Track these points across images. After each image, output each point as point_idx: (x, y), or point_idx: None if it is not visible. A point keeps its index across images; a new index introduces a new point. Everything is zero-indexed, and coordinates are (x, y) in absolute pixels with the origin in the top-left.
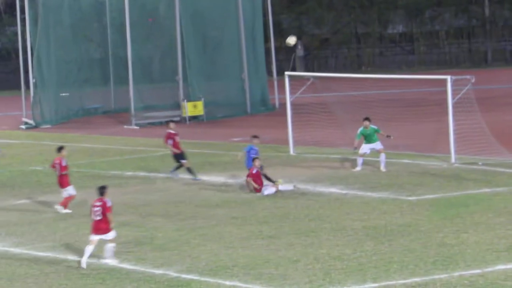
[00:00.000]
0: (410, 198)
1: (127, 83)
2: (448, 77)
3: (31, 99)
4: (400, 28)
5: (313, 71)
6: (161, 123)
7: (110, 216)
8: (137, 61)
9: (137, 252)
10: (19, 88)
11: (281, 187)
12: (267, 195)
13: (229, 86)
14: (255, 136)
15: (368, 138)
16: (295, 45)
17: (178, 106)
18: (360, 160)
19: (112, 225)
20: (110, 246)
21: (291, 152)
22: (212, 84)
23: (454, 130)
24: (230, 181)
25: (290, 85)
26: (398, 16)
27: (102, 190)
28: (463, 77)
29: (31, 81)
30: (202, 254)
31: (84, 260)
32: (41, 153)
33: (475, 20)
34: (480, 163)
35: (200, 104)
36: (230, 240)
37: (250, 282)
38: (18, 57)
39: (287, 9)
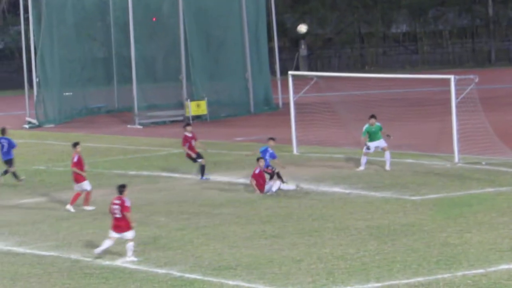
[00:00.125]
0: (413, 197)
1: (130, 82)
2: (452, 77)
3: (35, 98)
4: (403, 28)
5: (316, 70)
6: (164, 123)
7: (128, 215)
8: (141, 60)
9: (140, 251)
10: (22, 87)
11: (283, 186)
12: (271, 194)
13: (233, 85)
14: (271, 138)
15: (372, 135)
16: (303, 37)
17: (181, 106)
18: (363, 160)
19: (132, 224)
20: (129, 245)
21: (295, 151)
22: (216, 83)
23: (458, 130)
24: (234, 180)
25: (294, 84)
26: (402, 15)
27: (121, 188)
28: (467, 76)
29: (35, 80)
30: (205, 253)
31: (99, 250)
32: (44, 152)
33: (478, 20)
34: (483, 163)
35: (203, 104)
36: (233, 240)
37: (253, 282)
38: (22, 56)
39: (291, 8)
